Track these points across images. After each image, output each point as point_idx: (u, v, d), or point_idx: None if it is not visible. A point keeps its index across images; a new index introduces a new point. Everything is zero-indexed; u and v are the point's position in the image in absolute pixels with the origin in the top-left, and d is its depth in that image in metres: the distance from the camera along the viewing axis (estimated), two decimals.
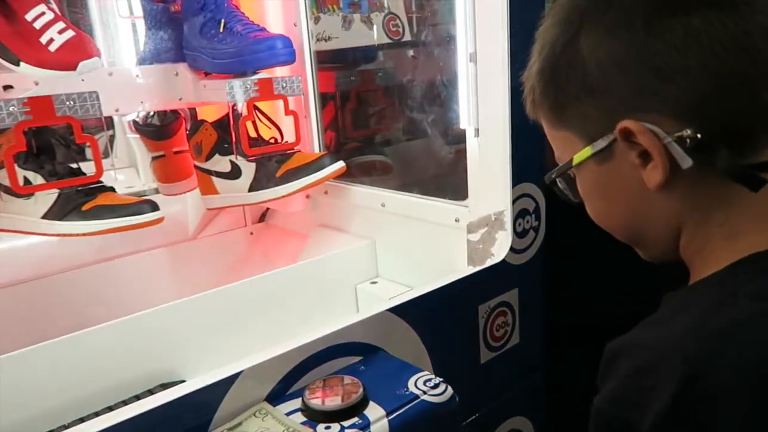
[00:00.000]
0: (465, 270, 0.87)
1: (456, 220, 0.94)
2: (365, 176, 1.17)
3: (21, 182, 0.93)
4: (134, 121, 1.25)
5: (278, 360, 0.69)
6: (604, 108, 0.46)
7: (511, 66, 0.82)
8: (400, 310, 0.76)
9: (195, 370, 0.92)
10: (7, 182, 0.93)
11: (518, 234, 0.88)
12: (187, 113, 1.26)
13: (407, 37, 1.33)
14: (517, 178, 0.85)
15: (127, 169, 1.56)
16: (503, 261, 0.88)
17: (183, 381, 0.92)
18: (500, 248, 0.88)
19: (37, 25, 0.90)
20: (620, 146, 0.46)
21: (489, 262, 0.87)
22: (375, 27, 1.31)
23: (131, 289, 1.24)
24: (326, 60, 1.23)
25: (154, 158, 1.27)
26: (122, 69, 1.13)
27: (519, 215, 0.88)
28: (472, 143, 0.90)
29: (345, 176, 1.10)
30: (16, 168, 0.91)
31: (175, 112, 1.24)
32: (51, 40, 0.89)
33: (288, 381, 0.71)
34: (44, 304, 1.15)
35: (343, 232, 1.16)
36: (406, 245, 1.06)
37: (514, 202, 0.86)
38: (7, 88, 1.00)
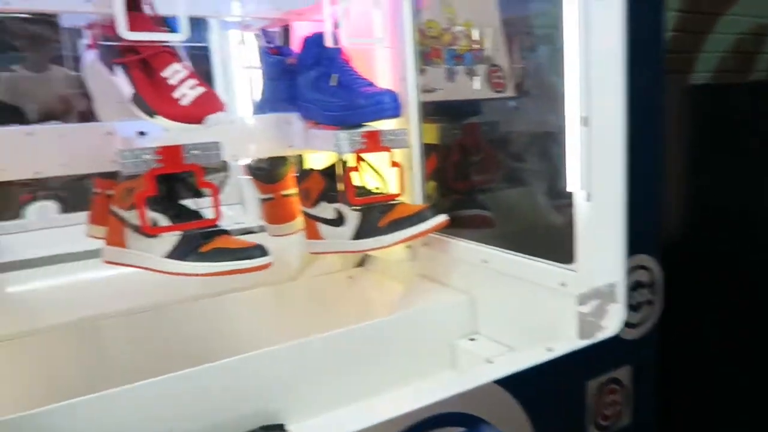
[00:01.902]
0: (574, 342, 0.84)
1: (562, 284, 0.91)
2: (467, 230, 1.16)
3: (149, 223, 1.01)
4: (248, 165, 1.33)
5: (380, 428, 0.69)
6: None
7: (630, 130, 0.80)
8: (505, 382, 0.75)
9: (294, 413, 0.94)
10: (136, 222, 1.01)
11: (632, 308, 0.84)
12: (295, 159, 1.32)
13: (511, 90, 1.32)
14: (633, 248, 0.81)
15: (235, 206, 1.66)
16: (615, 336, 0.84)
17: (282, 425, 0.95)
18: (612, 322, 0.84)
19: (172, 81, 0.98)
20: None
21: (600, 336, 0.83)
22: (478, 79, 1.32)
23: (234, 324, 1.30)
24: (431, 111, 1.25)
25: (263, 200, 1.34)
26: (241, 118, 1.20)
27: (633, 288, 0.84)
28: (581, 207, 0.88)
29: (446, 229, 1.10)
30: (146, 210, 0.99)
31: (285, 158, 1.30)
32: (183, 95, 0.97)
33: None
34: (154, 335, 1.23)
35: (442, 284, 1.16)
36: (507, 304, 1.04)
37: (628, 273, 0.82)
38: (141, 134, 1.09)
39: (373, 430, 0.69)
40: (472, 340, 1.08)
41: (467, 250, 1.10)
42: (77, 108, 1.73)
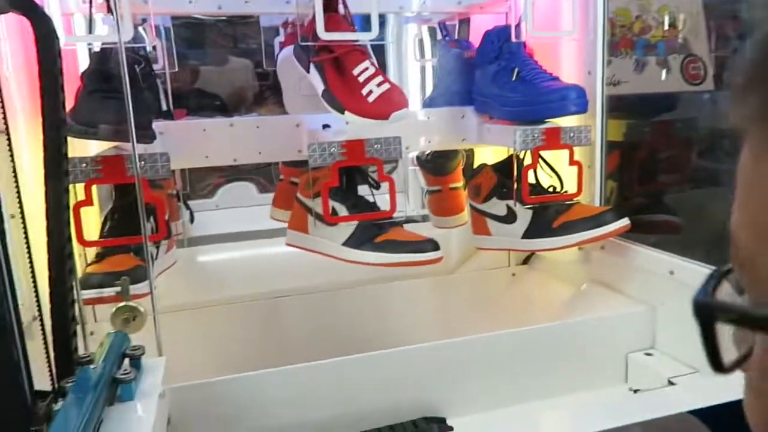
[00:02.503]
0: None
1: None
2: (650, 236, 1.08)
3: (330, 212, 1.07)
4: (418, 157, 1.36)
5: None
6: None
7: None
8: (704, 414, 0.68)
9: (452, 408, 0.95)
10: (319, 209, 1.08)
11: None
12: (464, 153, 1.32)
13: (710, 83, 1.19)
14: None
15: (398, 194, 1.70)
16: None
17: (443, 418, 0.96)
18: None
19: (361, 78, 1.02)
20: None
21: None
22: (672, 70, 1.21)
23: (394, 311, 1.34)
24: (615, 106, 1.17)
25: (430, 192, 1.36)
26: (415, 111, 1.22)
27: None
28: None
29: (625, 233, 1.03)
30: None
31: (455, 151, 1.30)
32: (370, 92, 1.00)
33: None
34: (324, 315, 1.31)
35: (617, 292, 1.09)
36: (691, 320, 0.95)
37: None
38: (325, 126, 1.16)
39: None
40: (648, 354, 1.00)
41: (651, 258, 1.02)
42: (253, 94, 1.90)
